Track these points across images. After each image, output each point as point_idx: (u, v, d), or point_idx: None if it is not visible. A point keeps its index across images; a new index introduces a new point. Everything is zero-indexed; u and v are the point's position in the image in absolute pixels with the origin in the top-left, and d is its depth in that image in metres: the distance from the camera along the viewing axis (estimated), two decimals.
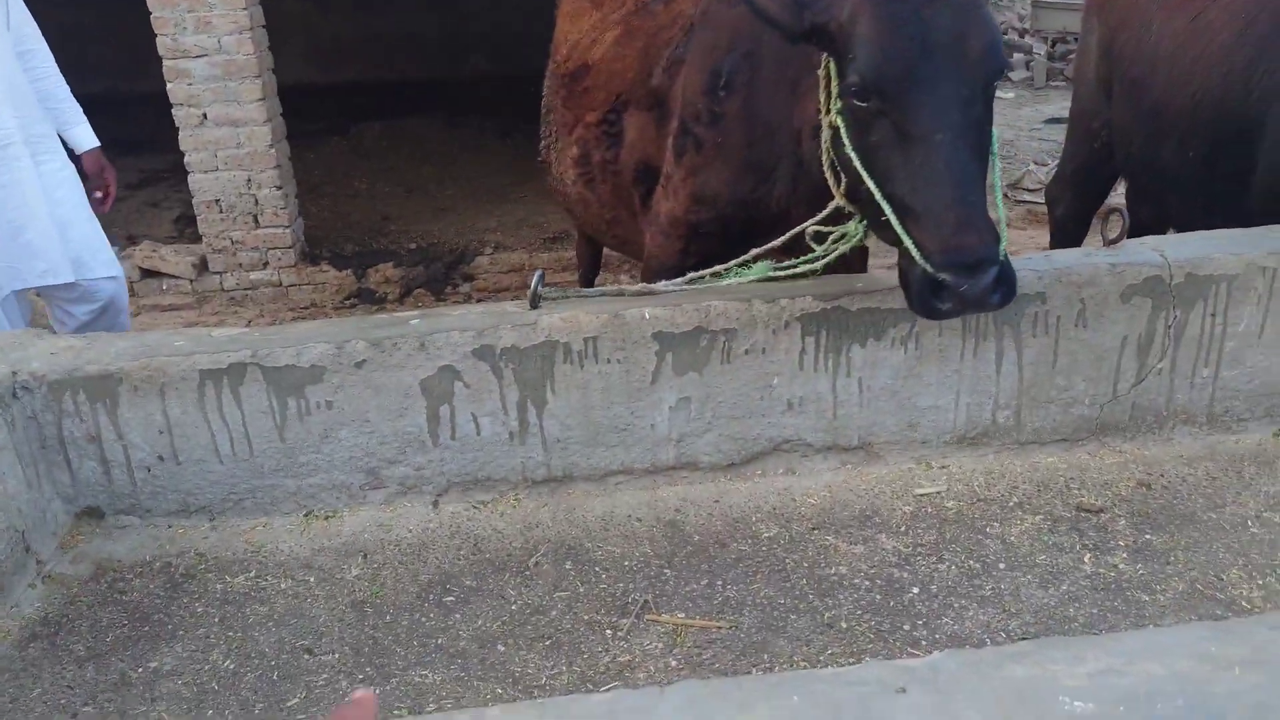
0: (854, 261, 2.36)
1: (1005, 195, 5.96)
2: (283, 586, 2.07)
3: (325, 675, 1.83)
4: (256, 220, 5.14)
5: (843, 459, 2.34)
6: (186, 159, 4.95)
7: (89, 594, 2.04)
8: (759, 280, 2.24)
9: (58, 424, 2.10)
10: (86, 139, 3.26)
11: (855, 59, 1.84)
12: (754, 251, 2.26)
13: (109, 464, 2.15)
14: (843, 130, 1.92)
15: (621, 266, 5.48)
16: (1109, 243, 2.32)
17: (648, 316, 2.23)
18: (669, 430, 2.30)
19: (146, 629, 1.95)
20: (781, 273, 2.25)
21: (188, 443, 2.17)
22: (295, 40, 8.71)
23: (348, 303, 5.35)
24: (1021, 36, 9.84)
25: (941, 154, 1.76)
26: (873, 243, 2.22)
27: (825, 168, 2.04)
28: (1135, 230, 3.09)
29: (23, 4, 3.14)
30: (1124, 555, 2.04)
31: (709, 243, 2.38)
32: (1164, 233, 3.21)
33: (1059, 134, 7.28)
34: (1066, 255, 2.36)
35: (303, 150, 6.03)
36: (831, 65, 1.96)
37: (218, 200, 5.04)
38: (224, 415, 2.16)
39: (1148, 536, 2.10)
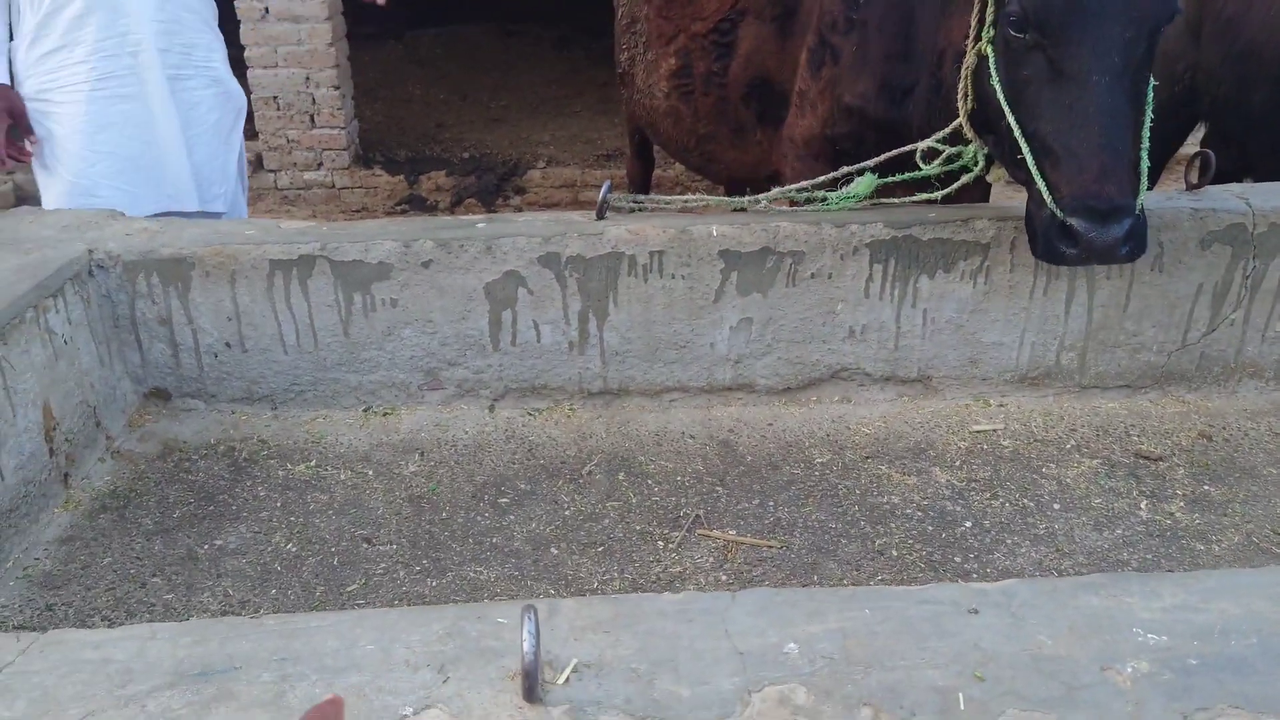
0: (974, 196, 2.30)
1: None
2: (342, 477, 2.11)
3: (383, 564, 1.88)
4: (313, 120, 5.12)
5: (900, 390, 2.33)
6: (246, 53, 4.92)
7: (156, 471, 2.09)
8: (866, 195, 2.20)
9: (130, 304, 2.13)
10: None
11: None
12: (846, 169, 2.22)
13: (178, 347, 2.19)
14: (991, 60, 1.87)
15: (672, 188, 5.43)
16: (1192, 187, 2.26)
17: (715, 234, 2.21)
18: (728, 350, 2.30)
19: (211, 508, 2.00)
20: (891, 197, 2.22)
21: (255, 331, 2.20)
22: None
23: (399, 208, 5.35)
24: None
25: (1094, 95, 1.71)
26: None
27: (959, 93, 1.99)
28: (1214, 177, 3.02)
29: None
30: (1181, 504, 2.03)
31: (849, 163, 2.30)
32: (1242, 180, 3.13)
33: None
34: (1148, 197, 2.30)
35: (359, 53, 5.96)
36: None
37: (275, 97, 5.02)
38: (291, 306, 2.18)
39: (1206, 487, 2.08)
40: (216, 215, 2.78)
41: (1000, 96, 1.86)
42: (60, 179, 2.61)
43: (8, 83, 2.56)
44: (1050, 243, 1.79)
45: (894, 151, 2.18)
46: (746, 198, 2.29)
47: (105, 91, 2.57)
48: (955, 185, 2.14)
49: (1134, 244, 1.77)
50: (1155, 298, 2.23)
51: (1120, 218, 1.72)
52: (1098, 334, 2.26)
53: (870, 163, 2.20)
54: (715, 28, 2.67)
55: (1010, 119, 1.84)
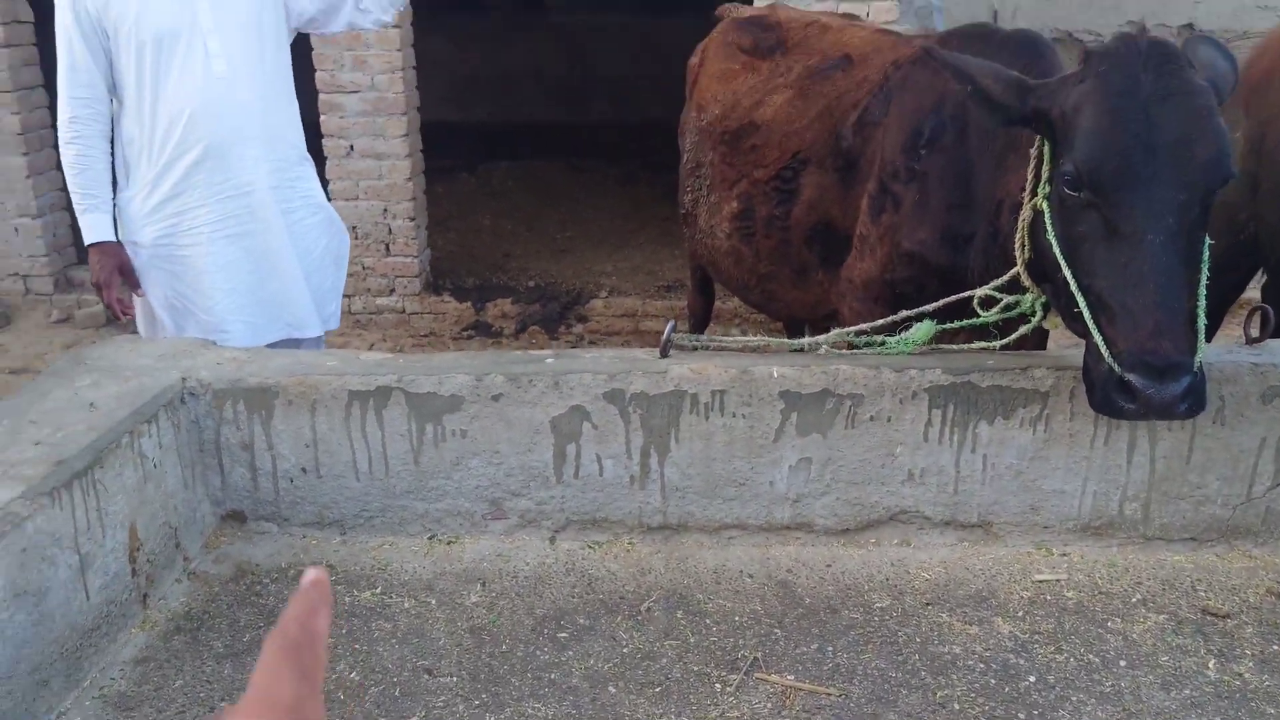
0: (1032, 343, 2.33)
1: None
2: (406, 605, 2.16)
3: (444, 697, 1.90)
4: (388, 248, 5.36)
5: (961, 535, 2.33)
6: (330, 187, 5.20)
7: (229, 594, 2.16)
8: (925, 342, 2.25)
9: (216, 430, 2.24)
10: None
11: (1074, 148, 1.85)
12: (905, 313, 2.28)
13: (257, 471, 2.28)
14: (1046, 215, 1.93)
15: (732, 320, 5.54)
16: (1252, 340, 2.28)
17: (775, 374, 2.27)
18: (787, 489, 2.33)
19: None
20: (950, 343, 2.27)
21: (330, 458, 2.28)
22: (436, 79, 9.09)
23: (465, 334, 5.52)
24: None
25: (1148, 254, 1.75)
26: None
27: (1016, 244, 2.05)
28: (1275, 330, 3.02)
29: None
30: (1250, 665, 1.98)
31: (908, 306, 2.36)
32: None
33: None
34: (1208, 350, 2.32)
35: (434, 184, 6.26)
36: (1046, 148, 1.97)
37: (354, 227, 5.27)
38: (366, 435, 2.27)
39: (1275, 647, 2.03)
40: (331, 330, 2.99)
41: (1056, 251, 1.92)
42: (194, 317, 2.78)
43: (114, 238, 2.73)
44: (1108, 397, 1.82)
45: (952, 297, 2.24)
46: (806, 339, 2.36)
47: (225, 231, 2.75)
48: (1014, 336, 2.19)
49: (1193, 401, 1.79)
50: (1218, 450, 2.22)
51: (1178, 375, 1.74)
52: (1161, 485, 2.26)
53: (929, 308, 2.26)
54: (777, 175, 2.80)
55: (1066, 273, 1.90)
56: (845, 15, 3.81)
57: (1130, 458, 2.24)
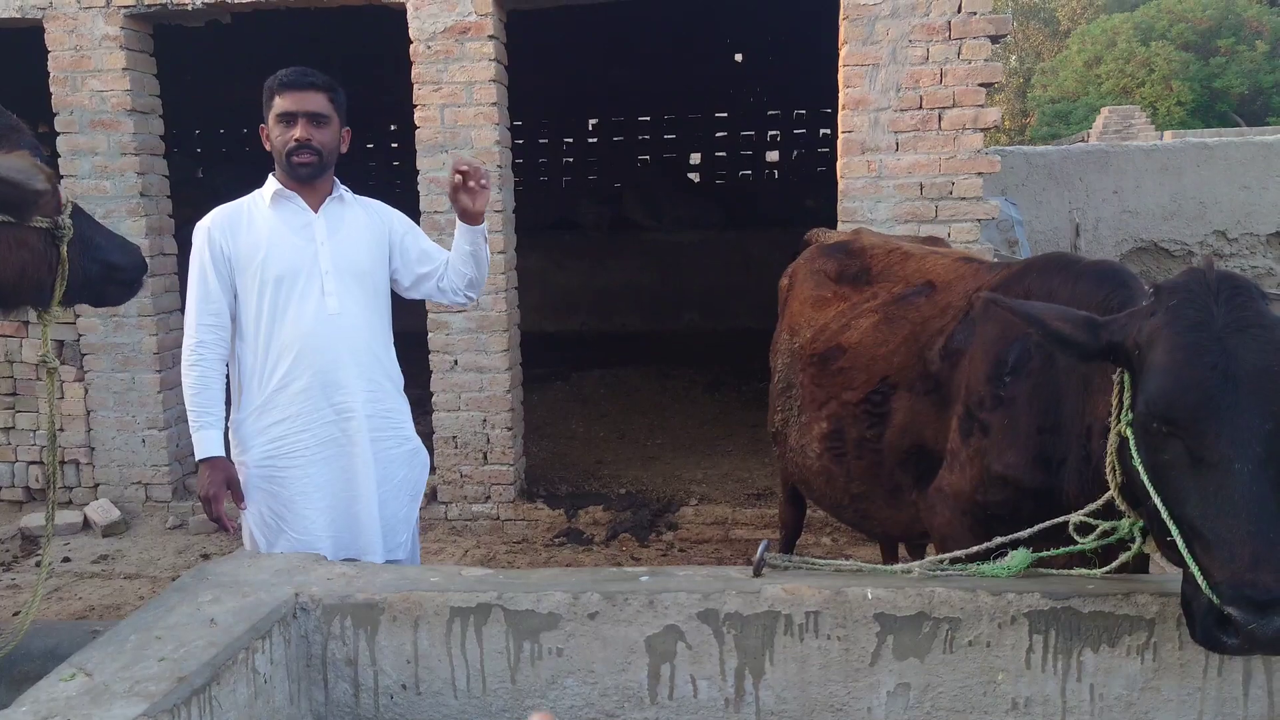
0: (1132, 568, 2.28)
1: None
2: None
3: None
4: (485, 457, 5.55)
5: None
6: (434, 399, 5.47)
7: None
8: (1021, 571, 2.23)
9: (324, 645, 2.32)
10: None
11: (1148, 384, 1.87)
12: (999, 540, 2.27)
13: (359, 687, 2.34)
14: (1131, 443, 1.94)
15: (823, 529, 5.50)
16: None
17: (870, 596, 2.27)
18: (885, 715, 2.28)
19: None
20: (1049, 569, 2.23)
21: (430, 674, 2.33)
22: (532, 292, 9.62)
23: (557, 540, 5.58)
24: None
25: (1238, 484, 1.74)
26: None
27: (1107, 466, 2.05)
28: None
29: (415, 232, 3.11)
30: None
31: (999, 526, 2.35)
32: None
33: None
34: None
35: (529, 392, 6.52)
36: (1126, 376, 2.00)
37: (454, 437, 5.49)
38: (465, 652, 2.32)
39: None
40: (400, 562, 3.05)
41: (1144, 478, 1.91)
42: (286, 536, 2.96)
43: (224, 454, 2.94)
44: (1209, 631, 1.77)
45: (1047, 523, 2.23)
46: (900, 565, 2.36)
47: (323, 454, 2.95)
48: (1115, 564, 2.16)
49: None
50: None
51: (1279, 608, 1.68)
52: None
53: (1024, 534, 2.25)
54: (866, 398, 2.87)
55: (1156, 500, 1.88)
56: (930, 238, 3.99)
57: (1246, 690, 2.15)
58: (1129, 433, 1.96)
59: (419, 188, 5.33)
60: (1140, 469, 1.92)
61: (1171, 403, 1.83)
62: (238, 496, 2.96)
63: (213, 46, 8.11)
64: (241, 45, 8.56)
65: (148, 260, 5.47)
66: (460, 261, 3.03)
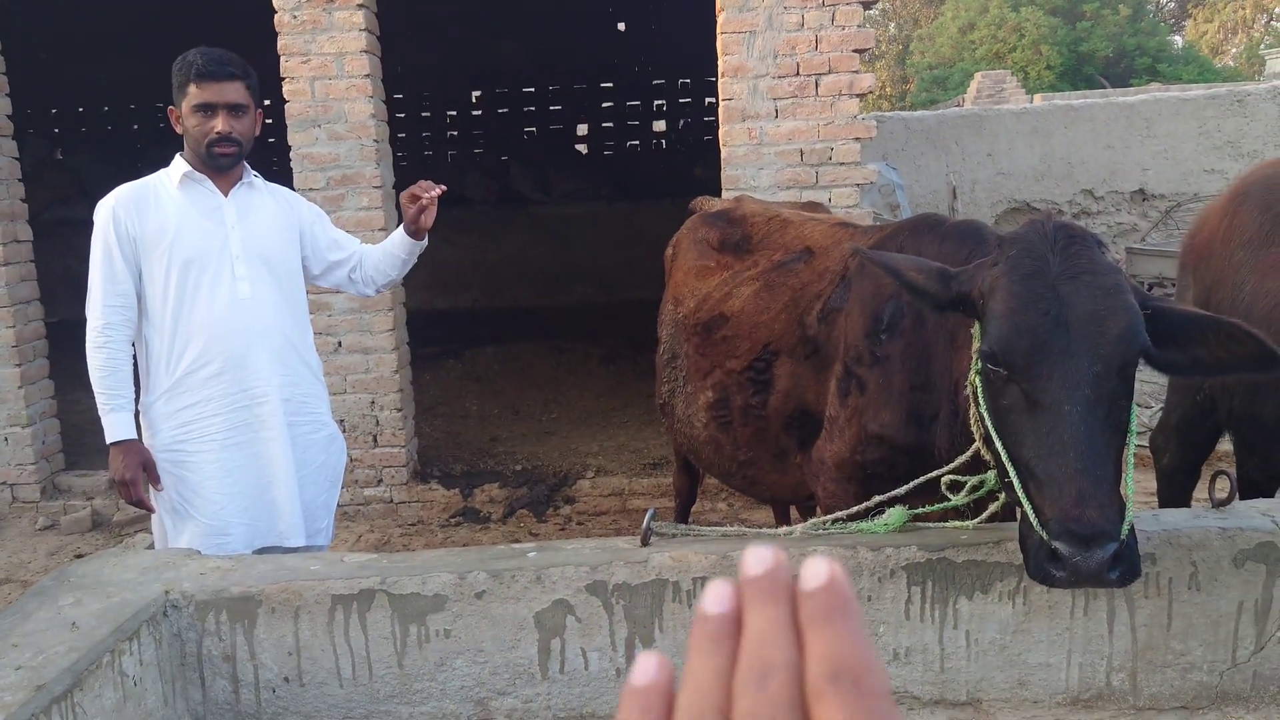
0: (1002, 518, 2.36)
1: None
2: None
3: None
4: (375, 440, 5.43)
5: (951, 714, 2.31)
6: None
7: None
8: (897, 528, 2.29)
9: (198, 642, 2.23)
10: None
11: (988, 329, 1.96)
12: (877, 499, 2.33)
13: (239, 683, 2.26)
14: (979, 390, 2.02)
15: (719, 495, 5.56)
16: (1217, 504, 2.33)
17: None
18: None
19: None
20: (925, 523, 2.30)
21: (313, 665, 2.27)
22: (420, 269, 9.43)
23: (453, 520, 5.52)
24: None
25: (1067, 424, 1.82)
26: None
27: (972, 418, 2.12)
28: (1244, 484, 3.07)
29: (324, 220, 3.14)
30: None
31: (880, 485, 2.43)
32: (1276, 485, 3.18)
33: (1159, 376, 7.27)
34: (1175, 515, 2.37)
35: (421, 372, 6.41)
36: (978, 328, 2.08)
37: (342, 421, 5.34)
38: (349, 639, 2.27)
39: None
40: (321, 548, 3.04)
41: (988, 423, 2.00)
42: (195, 521, 2.89)
43: (136, 436, 2.87)
44: (1040, 565, 1.85)
45: (919, 479, 2.29)
46: (782, 529, 2.40)
47: (234, 439, 2.90)
48: (985, 515, 2.23)
49: (1124, 569, 1.81)
50: (1197, 616, 2.24)
51: (1103, 542, 1.77)
52: (1145, 654, 2.26)
53: (899, 491, 2.31)
54: (750, 365, 2.90)
55: (997, 444, 1.97)
56: (810, 204, 4.04)
57: (1111, 627, 2.25)
58: (978, 381, 2.03)
59: (292, 164, 5.14)
60: (985, 414, 2.00)
61: (1007, 347, 1.91)
62: (154, 478, 2.89)
63: (68, 21, 7.66)
64: (97, 20, 8.11)
65: (1, 247, 5.20)
66: (388, 264, 3.09)
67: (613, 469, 5.88)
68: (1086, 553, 1.76)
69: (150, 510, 2.97)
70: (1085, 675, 2.27)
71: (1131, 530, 1.85)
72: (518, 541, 4.99)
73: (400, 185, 5.52)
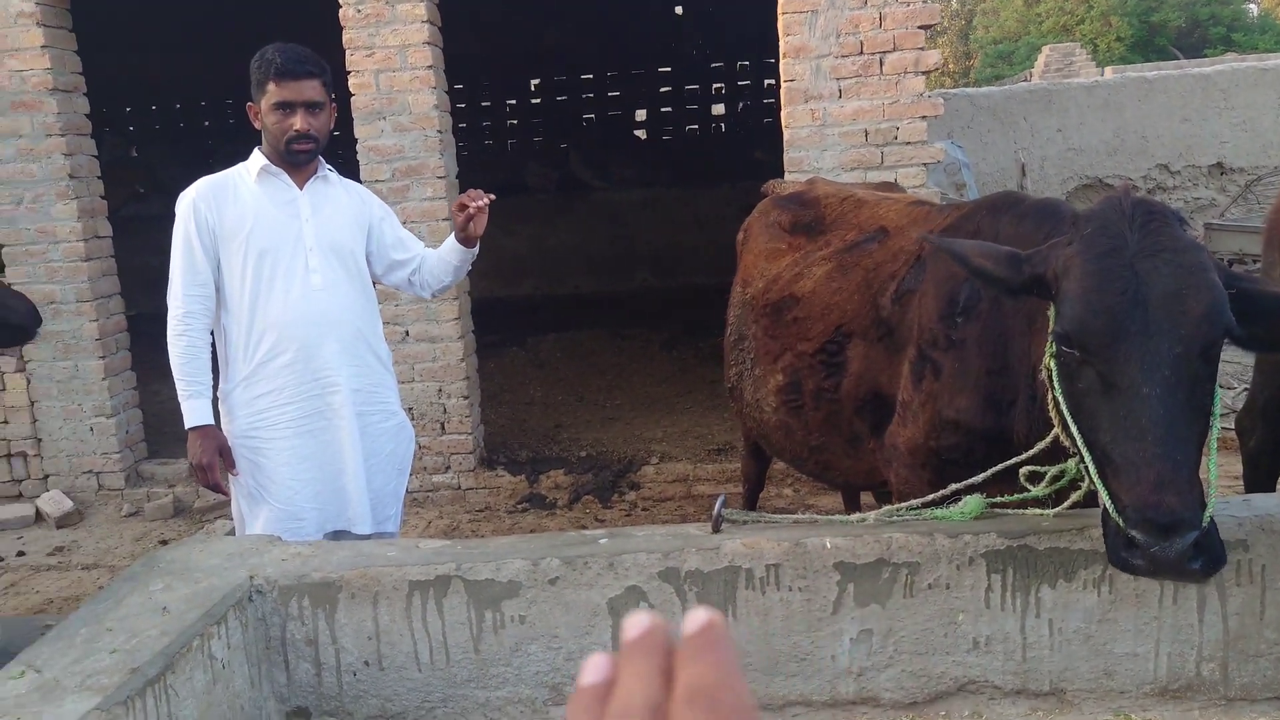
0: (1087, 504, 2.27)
1: None
2: None
3: None
4: (443, 427, 5.49)
5: (1033, 704, 2.27)
6: None
7: None
8: (975, 516, 2.25)
9: (282, 626, 2.28)
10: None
11: (1062, 310, 1.90)
12: (954, 487, 2.28)
13: (321, 666, 2.31)
14: (1054, 373, 1.97)
15: (784, 481, 5.53)
16: None
17: (829, 546, 2.27)
18: (849, 663, 2.30)
19: None
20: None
21: (392, 649, 2.31)
22: (482, 259, 9.52)
23: (519, 506, 5.56)
24: None
25: (1145, 408, 1.75)
26: None
27: (1050, 403, 2.06)
28: None
29: (391, 218, 3.18)
30: None
31: (955, 471, 2.37)
32: None
33: (1244, 356, 7.05)
34: (1268, 500, 2.30)
35: (485, 360, 6.46)
36: (1052, 310, 2.02)
37: (410, 409, 5.42)
38: (426, 624, 2.30)
39: None
40: (389, 535, 3.09)
41: (1063, 407, 1.94)
42: (269, 506, 2.97)
43: (213, 422, 2.96)
44: (1118, 553, 1.80)
45: (998, 467, 2.24)
46: (855, 515, 2.37)
47: (307, 427, 2.97)
48: (1065, 504, 2.17)
49: (1206, 559, 1.74)
50: None
51: (1183, 531, 1.70)
52: (1237, 644, 2.19)
53: (978, 479, 2.26)
54: (822, 348, 2.85)
55: (1073, 429, 1.91)
56: (884, 184, 3.97)
57: (1202, 616, 2.19)
58: (1052, 364, 1.97)
59: (358, 157, 5.21)
60: (1060, 398, 1.94)
61: (1082, 328, 1.85)
62: (230, 463, 2.98)
63: (140, 20, 7.84)
64: (170, 17, 8.30)
65: (82, 244, 5.35)
66: (443, 270, 3.13)
67: (677, 455, 5.87)
68: (1165, 542, 1.70)
69: (225, 495, 3.06)
70: (1174, 665, 2.22)
71: (1213, 518, 1.79)
72: (584, 527, 5.04)
73: (462, 175, 5.58)
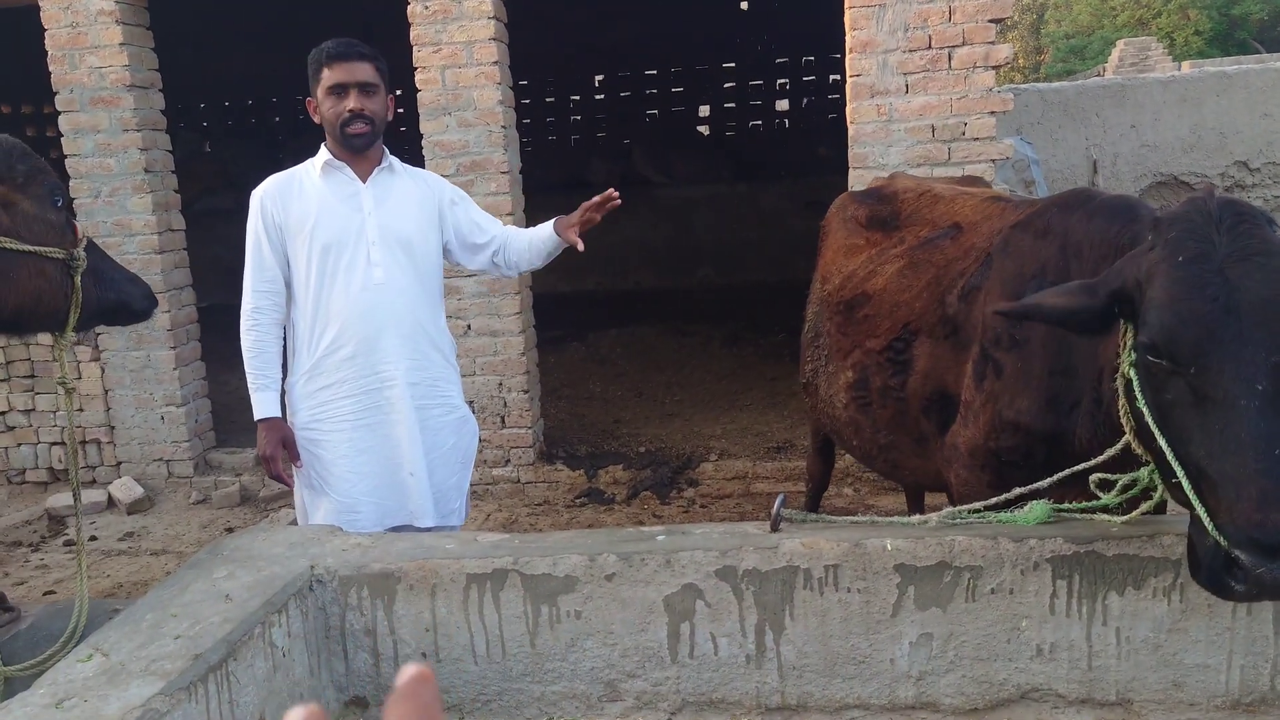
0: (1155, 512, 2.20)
1: None
2: None
3: None
4: (504, 421, 5.53)
5: (1099, 714, 2.20)
6: None
7: None
8: (1040, 522, 2.19)
9: (341, 616, 2.32)
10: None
11: (1148, 320, 1.81)
12: (1018, 491, 2.22)
13: (379, 657, 2.34)
14: (1135, 383, 1.88)
15: (844, 480, 5.47)
16: None
17: (889, 547, 2.24)
18: (908, 667, 2.26)
19: None
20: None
21: (449, 641, 2.33)
22: None
23: (578, 501, 5.58)
24: None
25: (1245, 421, 1.66)
26: None
27: (1120, 411, 1.99)
28: None
29: (466, 202, 3.17)
30: None
31: (1015, 474, 2.31)
32: None
33: None
34: None
35: (545, 354, 6.49)
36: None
37: (471, 402, 5.45)
38: (483, 617, 2.32)
39: None
40: (453, 528, 3.11)
41: (1149, 419, 1.85)
42: (328, 498, 3.02)
43: (279, 415, 3.03)
44: (1215, 575, 1.70)
45: (1065, 473, 2.18)
46: (917, 516, 2.33)
47: (365, 421, 3.01)
48: (1136, 513, 2.10)
49: None
50: None
51: None
52: None
53: (1043, 484, 2.20)
54: (889, 345, 2.82)
55: (1161, 441, 1.82)
56: (968, 178, 3.88)
57: (1277, 628, 2.11)
58: (1132, 373, 1.89)
59: (424, 152, 5.27)
60: (1145, 409, 1.85)
61: (1171, 338, 1.76)
62: (293, 455, 3.04)
63: (213, 18, 8.02)
64: (241, 16, 8.48)
65: (156, 237, 5.50)
66: (533, 254, 3.16)
67: (736, 452, 5.84)
68: (1273, 563, 1.61)
69: (288, 485, 3.12)
70: (1247, 678, 2.14)
71: None
72: (641, 523, 5.03)
73: (525, 171, 5.60)
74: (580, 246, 3.06)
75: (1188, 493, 1.76)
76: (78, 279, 2.63)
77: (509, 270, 3.23)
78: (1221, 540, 1.68)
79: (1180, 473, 1.78)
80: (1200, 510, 1.73)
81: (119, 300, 2.81)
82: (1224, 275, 1.75)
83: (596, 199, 3.01)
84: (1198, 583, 1.81)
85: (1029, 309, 2.06)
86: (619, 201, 3.00)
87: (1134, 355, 1.89)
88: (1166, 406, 1.82)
